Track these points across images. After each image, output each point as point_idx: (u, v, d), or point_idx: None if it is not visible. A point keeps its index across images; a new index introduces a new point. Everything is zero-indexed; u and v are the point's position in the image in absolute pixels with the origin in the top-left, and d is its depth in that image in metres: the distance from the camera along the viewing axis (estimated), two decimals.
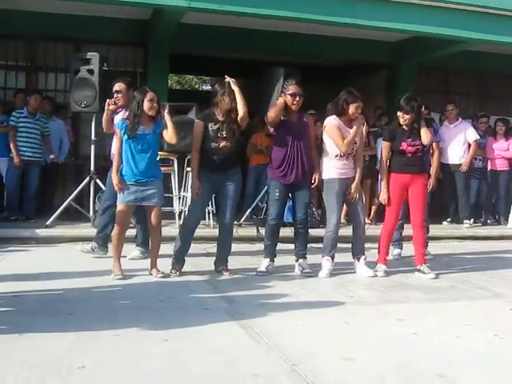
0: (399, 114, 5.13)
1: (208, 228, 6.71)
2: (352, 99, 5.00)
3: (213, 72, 13.98)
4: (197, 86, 21.44)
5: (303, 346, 3.11)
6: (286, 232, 5.42)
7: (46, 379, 2.55)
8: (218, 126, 4.84)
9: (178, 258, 4.94)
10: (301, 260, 5.10)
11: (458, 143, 8.13)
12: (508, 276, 5.30)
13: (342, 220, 6.48)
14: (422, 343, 3.23)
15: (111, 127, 5.42)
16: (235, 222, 7.11)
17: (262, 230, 5.69)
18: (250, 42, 8.91)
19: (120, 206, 4.76)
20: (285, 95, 5.02)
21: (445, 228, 8.14)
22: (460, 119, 8.25)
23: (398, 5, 7.33)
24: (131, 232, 5.47)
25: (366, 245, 5.28)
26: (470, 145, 8.16)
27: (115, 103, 5.40)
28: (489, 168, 8.61)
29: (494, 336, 3.37)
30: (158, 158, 4.94)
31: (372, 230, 5.97)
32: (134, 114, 4.65)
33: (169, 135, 4.78)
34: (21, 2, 7.78)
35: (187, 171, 6.73)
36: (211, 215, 6.91)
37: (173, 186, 6.94)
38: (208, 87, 18.35)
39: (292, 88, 4.99)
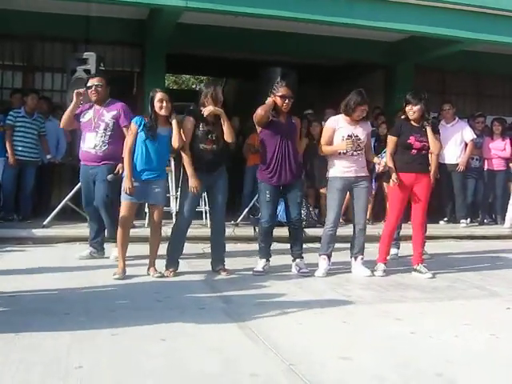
0: (407, 108, 5.12)
1: (204, 228, 6.69)
2: (359, 101, 4.98)
3: (210, 72, 14.11)
4: (194, 86, 21.42)
5: (300, 346, 3.10)
6: (283, 232, 5.41)
7: (43, 379, 2.54)
8: (208, 128, 4.81)
9: (172, 260, 4.92)
10: (298, 260, 5.09)
11: (455, 143, 8.14)
12: (504, 275, 5.31)
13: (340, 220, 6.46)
14: (421, 342, 3.23)
15: (73, 123, 5.33)
16: (232, 222, 7.16)
17: None
18: (247, 42, 8.89)
19: (124, 204, 4.76)
20: (274, 96, 4.97)
21: (442, 227, 8.15)
22: (457, 119, 8.26)
23: (395, 5, 7.34)
24: (133, 232, 5.44)
25: None
26: (466, 144, 8.17)
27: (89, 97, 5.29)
28: (485, 168, 8.61)
29: (491, 335, 3.37)
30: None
31: (369, 229, 5.95)
32: (150, 116, 4.69)
33: (172, 138, 4.76)
34: (18, 1, 7.75)
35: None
36: (208, 215, 6.88)
37: (170, 186, 6.93)
38: None
39: (282, 90, 4.95)
